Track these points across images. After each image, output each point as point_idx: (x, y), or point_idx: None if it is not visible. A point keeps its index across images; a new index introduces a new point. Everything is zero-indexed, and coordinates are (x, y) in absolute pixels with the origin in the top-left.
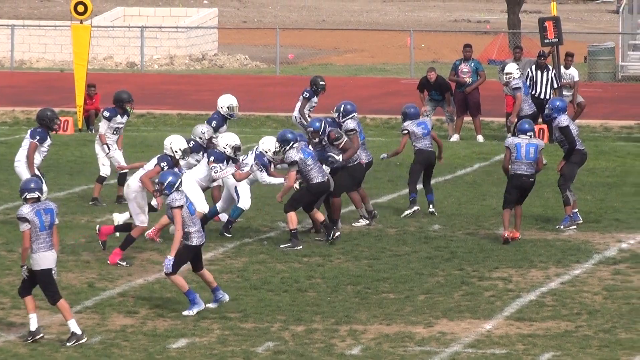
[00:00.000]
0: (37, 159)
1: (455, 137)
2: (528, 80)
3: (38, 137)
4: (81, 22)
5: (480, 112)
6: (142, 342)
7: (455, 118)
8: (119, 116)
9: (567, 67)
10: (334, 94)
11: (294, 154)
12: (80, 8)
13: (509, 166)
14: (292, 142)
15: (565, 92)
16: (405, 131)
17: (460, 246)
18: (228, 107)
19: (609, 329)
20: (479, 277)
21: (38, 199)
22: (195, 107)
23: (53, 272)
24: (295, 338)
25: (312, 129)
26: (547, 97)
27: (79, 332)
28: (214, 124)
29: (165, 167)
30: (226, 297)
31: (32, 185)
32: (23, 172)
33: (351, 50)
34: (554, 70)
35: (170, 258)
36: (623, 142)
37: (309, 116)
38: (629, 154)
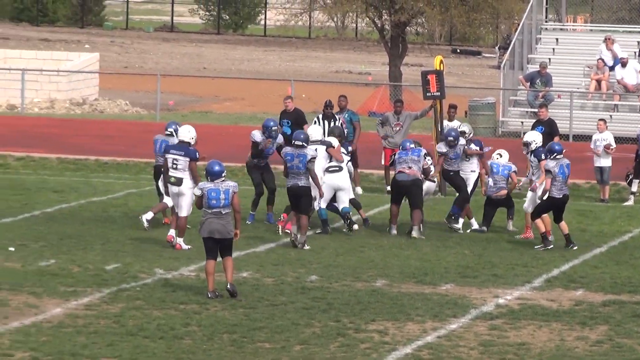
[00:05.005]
0: None
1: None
2: None
3: None
4: None
5: (358, 164)
6: None
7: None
8: None
9: (450, 120)
10: (214, 141)
11: None
12: None
13: None
14: None
15: None
16: None
17: (337, 297)
18: None
19: None
20: (355, 329)
21: None
22: (75, 152)
23: None
24: None
25: None
26: None
27: None
28: None
29: None
30: None
31: None
32: None
33: (231, 99)
34: (340, 120)
35: None
36: None
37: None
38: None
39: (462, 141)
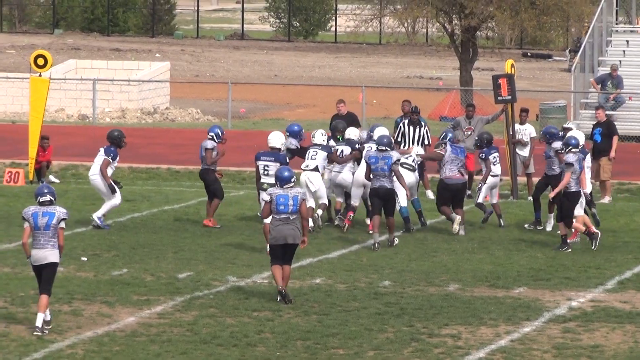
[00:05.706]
0: (109, 172)
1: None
2: (400, 135)
3: (112, 155)
4: (40, 75)
5: (426, 167)
6: None
7: None
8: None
9: (522, 123)
10: None
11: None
12: (40, 61)
13: None
14: None
15: (519, 151)
16: None
17: (410, 302)
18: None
19: None
20: (428, 334)
21: (50, 202)
22: (147, 161)
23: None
24: None
25: None
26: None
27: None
28: None
29: None
30: None
31: (45, 190)
32: (99, 184)
33: (303, 105)
34: (426, 127)
35: None
36: None
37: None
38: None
39: (572, 157)
